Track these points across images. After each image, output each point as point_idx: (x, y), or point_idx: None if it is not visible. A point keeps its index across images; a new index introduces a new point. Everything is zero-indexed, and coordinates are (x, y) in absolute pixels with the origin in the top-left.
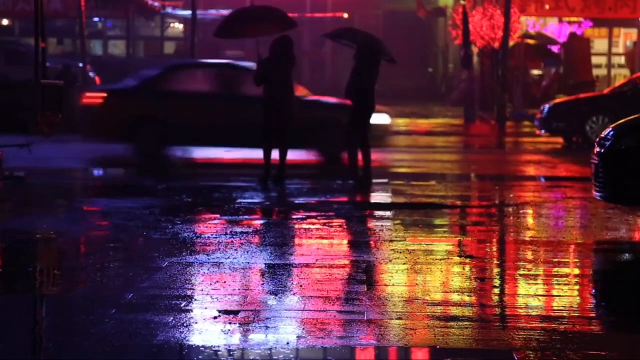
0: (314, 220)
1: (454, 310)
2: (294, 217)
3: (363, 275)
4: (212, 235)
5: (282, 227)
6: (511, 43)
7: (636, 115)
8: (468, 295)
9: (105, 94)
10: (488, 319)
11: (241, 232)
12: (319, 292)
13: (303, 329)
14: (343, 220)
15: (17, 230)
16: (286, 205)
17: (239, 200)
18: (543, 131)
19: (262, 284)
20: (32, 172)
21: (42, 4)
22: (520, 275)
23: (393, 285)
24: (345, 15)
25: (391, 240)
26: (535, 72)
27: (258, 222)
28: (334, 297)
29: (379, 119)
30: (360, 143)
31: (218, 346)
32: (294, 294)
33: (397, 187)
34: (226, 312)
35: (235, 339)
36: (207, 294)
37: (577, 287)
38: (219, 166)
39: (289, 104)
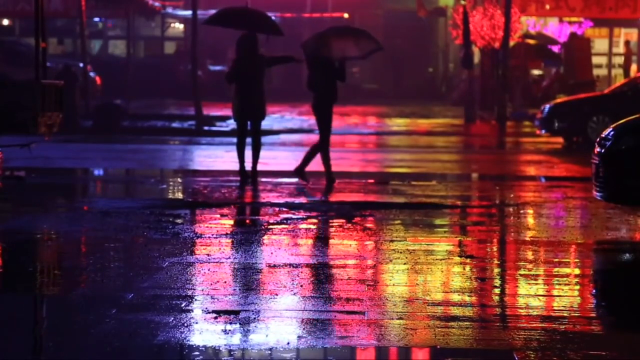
0: (314, 220)
1: (455, 310)
2: (294, 217)
3: (363, 275)
4: (210, 235)
5: (282, 226)
6: (512, 43)
7: (636, 115)
8: (468, 295)
9: None
10: (488, 319)
11: (238, 232)
12: (319, 292)
13: (303, 329)
14: (343, 220)
15: (17, 230)
16: (285, 205)
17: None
18: (543, 131)
19: (262, 284)
20: (32, 172)
21: (43, 4)
22: (521, 275)
23: (393, 285)
24: (346, 15)
25: (392, 240)
26: (536, 72)
27: (255, 222)
28: (334, 297)
29: None
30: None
31: (218, 346)
32: (294, 294)
33: (397, 187)
34: (226, 312)
35: (236, 339)
36: (207, 294)
37: (577, 287)
38: None
39: (259, 99)
